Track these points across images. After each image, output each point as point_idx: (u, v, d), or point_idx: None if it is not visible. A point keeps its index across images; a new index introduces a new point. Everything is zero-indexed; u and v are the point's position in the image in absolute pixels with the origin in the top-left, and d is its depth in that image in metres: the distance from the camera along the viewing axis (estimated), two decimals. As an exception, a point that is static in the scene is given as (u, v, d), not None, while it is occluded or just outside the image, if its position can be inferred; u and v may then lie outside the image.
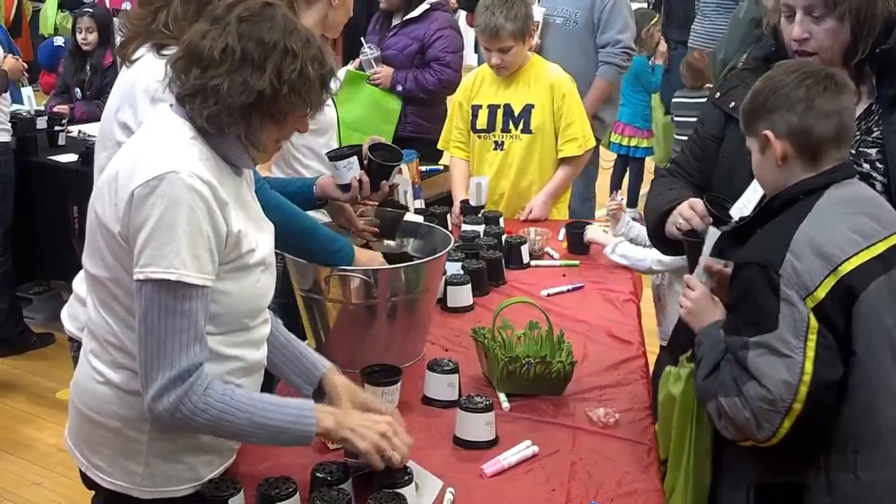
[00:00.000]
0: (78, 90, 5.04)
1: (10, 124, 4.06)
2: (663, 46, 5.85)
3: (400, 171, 2.55)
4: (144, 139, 1.56)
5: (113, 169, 1.54)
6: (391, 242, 2.35)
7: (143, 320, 1.47)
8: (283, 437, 1.57)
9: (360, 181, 2.19)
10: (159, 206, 1.44)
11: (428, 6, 4.15)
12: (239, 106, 1.50)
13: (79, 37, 5.04)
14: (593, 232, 2.93)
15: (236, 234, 1.53)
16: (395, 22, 4.22)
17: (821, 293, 1.58)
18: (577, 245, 2.98)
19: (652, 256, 2.72)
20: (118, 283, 1.53)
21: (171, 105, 1.58)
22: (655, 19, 5.92)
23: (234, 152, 1.57)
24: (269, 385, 2.11)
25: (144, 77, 1.82)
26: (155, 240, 1.44)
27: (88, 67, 5.04)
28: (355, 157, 2.20)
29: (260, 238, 1.62)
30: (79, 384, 1.64)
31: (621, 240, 2.84)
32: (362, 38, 4.15)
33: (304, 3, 2.38)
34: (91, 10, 5.27)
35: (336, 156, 2.22)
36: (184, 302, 1.46)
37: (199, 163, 1.49)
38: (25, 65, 4.34)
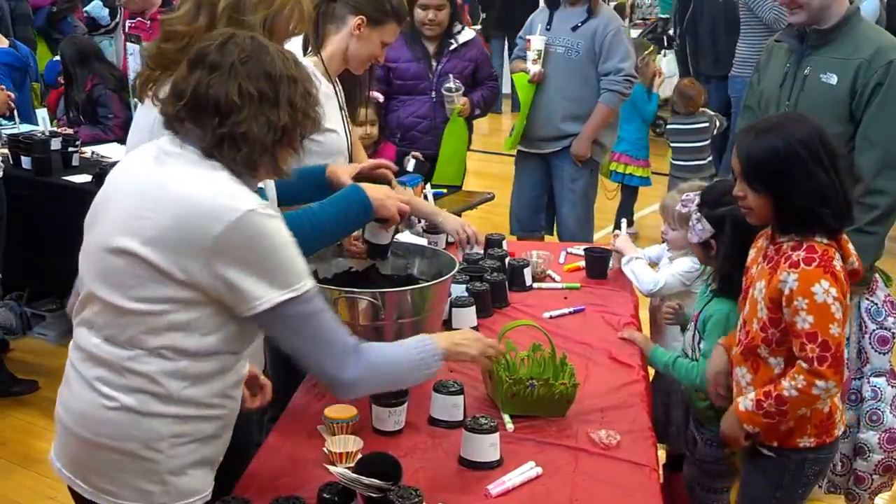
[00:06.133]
0: (81, 117, 5.10)
1: None
2: (660, 75, 5.92)
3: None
4: (190, 181, 1.54)
5: (160, 212, 1.53)
6: (397, 264, 2.40)
7: (297, 336, 1.59)
8: (423, 372, 1.76)
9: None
10: (255, 240, 1.52)
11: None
12: (269, 144, 1.56)
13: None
14: (621, 240, 2.93)
15: None
16: (433, 50, 4.15)
17: None
18: (597, 269, 2.96)
19: (659, 282, 2.72)
20: (162, 316, 1.54)
21: (174, 133, 1.60)
22: (651, 49, 5.98)
23: (240, 179, 1.62)
24: (290, 380, 2.16)
25: None
26: (267, 272, 1.53)
27: (75, 91, 5.11)
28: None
29: None
30: (83, 413, 1.62)
31: (639, 256, 2.84)
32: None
33: (332, 27, 2.45)
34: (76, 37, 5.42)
35: None
36: (314, 303, 1.59)
37: (250, 193, 1.57)
38: (12, 95, 4.34)
